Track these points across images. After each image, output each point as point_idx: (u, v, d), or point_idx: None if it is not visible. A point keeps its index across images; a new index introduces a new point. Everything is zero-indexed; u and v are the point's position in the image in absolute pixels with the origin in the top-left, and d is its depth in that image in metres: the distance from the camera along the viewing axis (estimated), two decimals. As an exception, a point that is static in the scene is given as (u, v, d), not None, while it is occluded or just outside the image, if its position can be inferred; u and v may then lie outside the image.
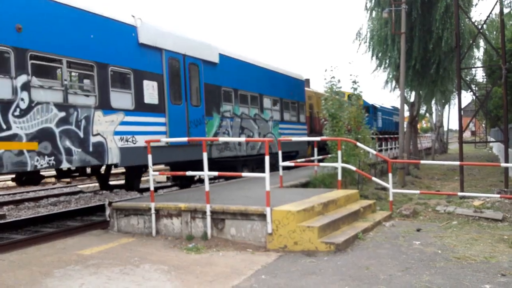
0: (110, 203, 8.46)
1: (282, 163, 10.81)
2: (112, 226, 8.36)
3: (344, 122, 13.54)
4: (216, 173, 8.25)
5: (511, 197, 9.94)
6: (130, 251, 6.81)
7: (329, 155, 13.59)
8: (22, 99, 7.34)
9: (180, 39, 11.02)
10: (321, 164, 12.29)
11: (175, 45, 10.78)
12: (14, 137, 7.18)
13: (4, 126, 7.03)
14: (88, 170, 10.32)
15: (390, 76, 24.85)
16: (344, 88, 14.59)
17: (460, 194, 10.93)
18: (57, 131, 7.89)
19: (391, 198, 9.84)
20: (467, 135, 68.09)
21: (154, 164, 8.36)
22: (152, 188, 8.08)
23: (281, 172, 10.85)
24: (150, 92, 9.99)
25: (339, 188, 10.11)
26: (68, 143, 8.06)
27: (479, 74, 29.14)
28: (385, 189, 11.53)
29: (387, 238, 7.28)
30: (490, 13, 18.10)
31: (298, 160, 12.92)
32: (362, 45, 23.96)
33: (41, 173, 9.30)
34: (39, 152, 7.53)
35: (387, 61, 23.35)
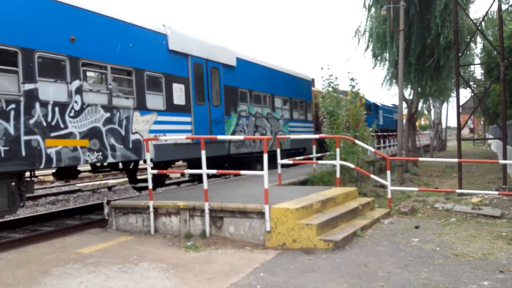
0: (108, 202, 8.46)
1: (280, 161, 10.81)
2: (111, 224, 8.35)
3: (342, 119, 13.55)
4: (214, 171, 8.23)
5: (509, 194, 9.96)
6: (128, 249, 6.81)
7: (328, 153, 13.60)
8: (76, 102, 8.39)
9: (203, 45, 12.04)
10: (319, 161, 12.30)
11: (199, 50, 11.77)
12: (70, 135, 8.20)
13: (62, 125, 8.08)
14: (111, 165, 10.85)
15: (389, 73, 24.88)
16: (342, 85, 14.63)
17: (458, 191, 10.94)
18: (103, 129, 8.91)
19: (389, 196, 9.85)
20: (465, 132, 68.07)
21: (180, 159, 9.86)
22: (150, 187, 8.08)
23: (279, 170, 10.85)
24: (178, 94, 10.97)
25: (338, 186, 10.11)
26: (112, 140, 9.05)
27: (478, 71, 29.18)
28: (383, 186, 11.55)
29: (386, 236, 7.29)
30: (489, 9, 18.11)
31: (297, 158, 12.93)
32: (361, 42, 24.01)
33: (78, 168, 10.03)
34: (89, 148, 8.53)
35: (386, 58, 23.37)
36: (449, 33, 19.07)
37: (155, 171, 8.41)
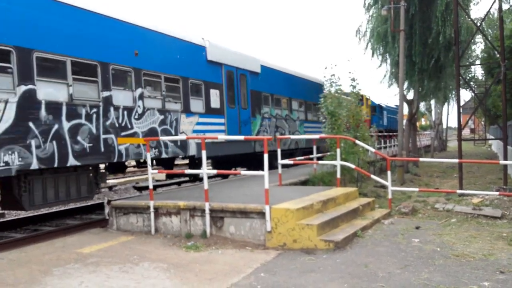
0: (109, 202, 8.46)
1: (281, 161, 10.82)
2: (111, 224, 8.36)
3: (343, 120, 13.55)
4: (215, 171, 8.38)
5: (510, 195, 9.95)
6: (129, 249, 6.81)
7: (328, 153, 13.61)
8: (139, 106, 9.89)
9: (233, 55, 13.56)
10: (320, 162, 12.30)
11: (230, 60, 13.29)
12: (134, 134, 9.71)
13: (129, 126, 9.58)
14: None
15: (387, 72, 24.90)
16: (344, 85, 14.68)
17: (459, 191, 10.94)
18: (159, 129, 10.40)
19: (390, 196, 9.84)
20: (466, 132, 68.04)
21: (214, 156, 11.62)
22: (151, 187, 8.08)
23: (280, 170, 10.85)
24: (214, 98, 12.47)
25: (338, 186, 10.11)
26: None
27: (478, 72, 29.17)
28: (384, 187, 11.54)
29: (386, 236, 7.29)
30: (489, 10, 18.12)
31: (297, 158, 12.95)
32: (362, 43, 24.03)
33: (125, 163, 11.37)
34: (149, 145, 9.24)
35: (387, 58, 23.39)
36: (450, 33, 19.07)
37: (156, 171, 8.43)
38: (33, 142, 7.57)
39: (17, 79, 7.47)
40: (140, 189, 15.14)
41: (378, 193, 12.87)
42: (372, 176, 10.99)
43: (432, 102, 35.44)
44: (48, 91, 7.99)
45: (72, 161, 8.30)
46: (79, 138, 8.44)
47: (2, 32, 7.25)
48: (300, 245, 6.68)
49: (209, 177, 14.01)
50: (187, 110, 11.36)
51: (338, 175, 10.37)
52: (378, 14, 21.91)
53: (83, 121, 8.56)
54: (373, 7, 22.53)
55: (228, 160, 13.66)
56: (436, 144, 44.18)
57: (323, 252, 6.41)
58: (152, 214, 7.82)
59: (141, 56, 9.94)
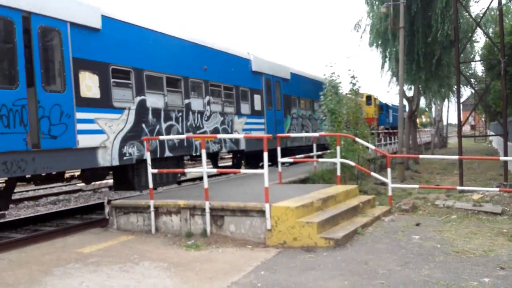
0: (109, 201, 8.47)
1: (281, 159, 10.82)
2: (112, 224, 8.36)
3: (343, 117, 13.55)
4: (215, 170, 8.43)
5: (510, 191, 9.95)
6: (129, 248, 6.82)
7: (328, 151, 13.62)
8: (207, 110, 12.26)
9: (270, 65, 16.05)
10: (320, 159, 12.31)
11: (268, 69, 15.73)
12: (205, 132, 11.90)
13: (201, 126, 11.95)
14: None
15: (390, 70, 24.86)
16: (345, 83, 14.77)
17: (459, 188, 10.94)
18: (220, 128, 12.75)
19: (390, 193, 9.84)
20: (466, 129, 68.08)
21: (256, 150, 13.71)
22: (151, 186, 8.08)
23: (280, 168, 10.86)
24: (257, 102, 14.90)
25: (338, 184, 10.11)
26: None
27: (478, 68, 29.16)
28: (384, 184, 11.53)
29: (386, 233, 7.29)
30: (489, 6, 18.05)
31: (297, 156, 12.95)
32: (363, 39, 24.03)
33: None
34: (213, 142, 12.03)
35: (387, 55, 23.38)
36: (449, 30, 19.05)
37: (155, 170, 8.43)
38: None
39: (135, 92, 9.81)
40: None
41: (378, 190, 12.86)
42: (372, 174, 10.99)
43: (433, 99, 35.46)
44: (153, 100, 10.34)
45: (167, 153, 10.66)
46: (171, 135, 10.65)
47: (126, 58, 9.61)
48: (300, 243, 6.68)
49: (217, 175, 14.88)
50: (238, 112, 13.80)
51: (338, 173, 10.36)
52: (378, 11, 21.89)
53: (173, 122, 10.97)
54: (374, 5, 22.52)
55: (257, 155, 15.49)
56: (436, 141, 44.15)
57: (323, 250, 6.41)
58: (153, 214, 7.82)
59: (208, 70, 12.31)
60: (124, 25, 9.69)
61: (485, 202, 9.34)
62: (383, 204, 9.87)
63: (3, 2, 7.19)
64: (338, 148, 10.59)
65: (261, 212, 6.95)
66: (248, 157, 16.45)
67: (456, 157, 12.95)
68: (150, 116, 10.15)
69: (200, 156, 12.51)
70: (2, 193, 8.61)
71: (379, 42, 22.74)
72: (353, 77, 14.51)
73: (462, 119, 15.94)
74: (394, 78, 24.73)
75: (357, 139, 11.63)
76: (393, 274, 5.26)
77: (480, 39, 24.40)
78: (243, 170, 8.27)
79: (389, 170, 10.02)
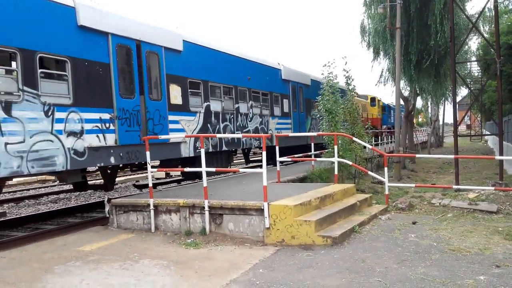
0: (109, 200, 8.51)
1: (279, 158, 10.88)
2: (112, 222, 8.41)
3: (340, 117, 13.63)
4: (213, 169, 8.48)
5: (506, 190, 10.06)
6: (129, 247, 6.87)
7: (326, 150, 13.69)
8: (250, 113, 14.54)
9: (295, 72, 18.30)
10: (318, 159, 12.39)
11: (293, 76, 18.01)
12: (248, 132, 14.33)
13: (246, 126, 14.22)
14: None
15: (387, 70, 24.95)
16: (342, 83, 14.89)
17: (455, 187, 11.04)
18: (259, 128, 15.07)
19: (387, 192, 9.92)
20: (462, 128, 68.30)
21: (287, 146, 15.74)
22: (150, 185, 8.14)
23: (278, 167, 10.93)
24: (285, 105, 17.20)
25: (336, 183, 10.19)
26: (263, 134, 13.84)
27: (474, 68, 29.28)
28: (381, 183, 11.63)
29: (383, 231, 7.37)
30: (485, 6, 18.19)
31: (296, 156, 13.06)
32: (361, 40, 24.11)
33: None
34: (254, 139, 14.60)
35: (383, 54, 23.47)
36: (446, 30, 19.15)
37: (155, 170, 8.49)
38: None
39: (203, 99, 12.07)
40: (140, 187, 15.25)
41: (375, 189, 12.96)
42: (369, 173, 11.08)
43: (429, 98, 35.65)
44: (214, 105, 12.55)
45: (223, 148, 12.85)
46: (226, 133, 12.96)
47: (197, 72, 11.80)
48: (298, 241, 6.75)
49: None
50: (272, 114, 16.10)
51: (336, 172, 10.44)
52: (375, 13, 21.99)
53: (228, 123, 13.23)
54: (373, 5, 22.62)
55: (292, 148, 17.01)
56: (432, 140, 44.35)
57: (321, 248, 6.48)
58: (152, 212, 7.88)
59: (251, 80, 14.59)
60: (196, 46, 11.91)
61: (480, 200, 9.42)
62: (380, 202, 9.95)
63: (124, 33, 9.34)
64: (335, 147, 10.67)
65: (260, 211, 7.01)
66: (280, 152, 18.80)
67: (452, 156, 13.06)
68: (212, 118, 12.52)
69: (249, 149, 16.46)
70: (109, 176, 10.96)
71: (376, 41, 22.86)
72: (348, 77, 14.64)
73: (458, 119, 16.04)
74: (392, 78, 24.82)
75: (354, 138, 11.70)
76: (389, 272, 5.33)
77: (476, 39, 24.49)
78: (242, 169, 8.34)
79: (386, 169, 10.10)
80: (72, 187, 16.23)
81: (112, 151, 9.05)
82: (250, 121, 14.41)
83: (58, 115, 7.93)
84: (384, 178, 10.03)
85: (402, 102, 25.43)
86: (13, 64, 7.97)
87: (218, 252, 6.52)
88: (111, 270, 5.69)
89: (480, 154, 32.58)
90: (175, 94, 10.97)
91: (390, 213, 8.95)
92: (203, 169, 7.76)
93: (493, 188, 10.16)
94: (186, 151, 11.22)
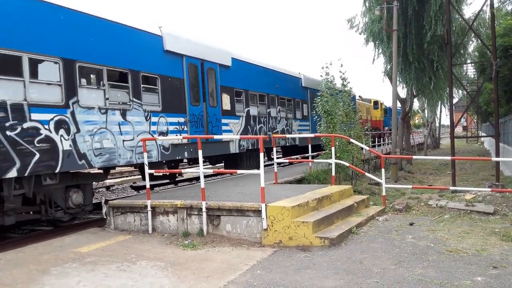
0: (106, 201, 8.49)
1: (276, 160, 10.89)
2: (109, 224, 8.39)
3: (339, 119, 13.67)
4: (211, 171, 8.49)
5: (502, 191, 10.09)
6: (126, 248, 6.85)
7: (323, 152, 13.72)
8: (278, 116, 17.00)
9: (313, 80, 20.07)
10: (315, 160, 12.41)
11: (311, 84, 20.04)
12: (277, 133, 16.36)
13: (276, 127, 16.63)
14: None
15: (384, 71, 25.02)
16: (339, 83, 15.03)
17: (452, 188, 11.05)
18: (285, 129, 17.54)
19: (384, 193, 9.95)
20: (459, 130, 68.42)
21: (302, 145, 17.03)
22: (148, 186, 8.13)
23: (275, 168, 10.94)
24: (305, 109, 19.73)
25: (333, 184, 10.20)
26: (288, 135, 17.45)
27: (470, 70, 29.38)
28: (378, 184, 11.65)
29: (381, 233, 7.38)
30: (481, 8, 18.24)
31: (293, 157, 13.07)
32: (360, 40, 24.19)
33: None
34: (284, 139, 17.09)
35: (381, 56, 23.56)
36: (442, 32, 19.22)
37: (152, 171, 8.48)
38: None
39: (244, 105, 14.54)
40: (137, 188, 15.22)
41: (372, 190, 12.98)
42: (367, 174, 11.10)
43: (425, 100, 35.84)
44: (252, 110, 15.03)
45: (240, 148, 14.04)
46: (261, 134, 15.26)
47: (240, 83, 14.29)
48: (295, 243, 6.75)
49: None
50: (295, 117, 18.56)
51: (333, 173, 10.46)
52: (372, 13, 22.06)
53: (262, 125, 15.62)
54: (371, 8, 22.71)
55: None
56: (429, 141, 44.51)
57: (318, 249, 6.49)
58: (149, 213, 7.86)
59: (279, 88, 17.01)
60: (239, 61, 14.34)
61: (477, 202, 9.46)
62: (377, 204, 9.97)
63: (192, 54, 11.87)
64: (333, 148, 10.68)
65: (257, 212, 7.01)
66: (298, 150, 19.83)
67: (449, 157, 13.08)
68: (251, 121, 14.92)
69: (244, 153, 16.75)
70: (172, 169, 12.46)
71: (376, 42, 22.97)
72: (344, 78, 14.75)
73: (454, 121, 16.09)
74: (388, 79, 24.89)
75: (352, 140, 11.73)
76: (387, 273, 5.34)
77: (472, 43, 24.58)
78: (239, 171, 8.36)
79: (383, 170, 10.12)
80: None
81: (185, 147, 11.44)
82: (278, 123, 16.94)
83: (153, 119, 10.32)
84: (381, 179, 10.06)
85: (399, 105, 25.53)
86: (127, 81, 9.81)
87: (216, 253, 6.52)
88: (108, 272, 5.68)
89: (476, 155, 32.68)
90: (226, 101, 13.46)
91: (387, 214, 8.97)
92: (201, 170, 7.76)
93: (489, 189, 10.18)
94: (233, 148, 13.66)
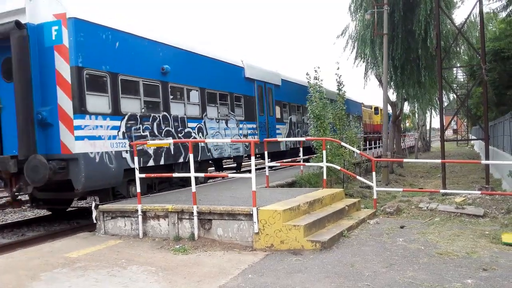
0: (96, 206, 8.42)
1: (268, 163, 10.89)
2: (99, 228, 8.32)
3: (330, 122, 13.73)
4: (202, 175, 8.45)
5: (492, 193, 10.16)
6: (117, 253, 6.81)
7: (315, 155, 13.76)
8: (301, 122, 20.36)
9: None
10: (306, 164, 12.43)
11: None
12: (309, 136, 16.85)
13: (299, 132, 19.95)
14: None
15: (374, 75, 25.16)
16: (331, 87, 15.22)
17: (442, 191, 11.11)
18: (301, 131, 20.28)
19: (375, 196, 9.98)
20: (449, 133, 69.00)
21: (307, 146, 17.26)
22: (138, 190, 8.08)
23: (267, 172, 10.94)
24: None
25: (325, 187, 10.22)
26: (299, 137, 19.53)
27: (460, 74, 29.66)
28: (369, 187, 11.69)
29: (372, 236, 7.40)
30: (470, 13, 18.46)
31: (284, 160, 13.09)
32: (347, 47, 24.37)
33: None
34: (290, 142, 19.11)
35: (369, 61, 23.69)
36: (432, 36, 19.38)
37: (143, 175, 8.43)
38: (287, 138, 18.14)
39: (288, 113, 18.89)
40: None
41: (363, 193, 13.04)
42: (358, 177, 11.12)
43: (415, 104, 36.16)
44: (292, 117, 19.11)
45: (286, 147, 18.06)
46: (298, 137, 18.80)
47: (286, 97, 18.61)
48: (287, 246, 6.75)
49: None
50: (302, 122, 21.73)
51: (325, 177, 10.47)
52: (361, 18, 22.20)
53: (299, 129, 19.80)
54: (359, 12, 22.84)
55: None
56: (420, 145, 44.86)
57: (310, 253, 6.49)
58: (140, 218, 7.81)
59: (302, 98, 17.30)
60: (285, 80, 18.60)
61: (467, 204, 9.51)
62: (369, 207, 10.00)
63: (259, 78, 16.20)
64: (324, 152, 10.71)
65: (249, 216, 7.00)
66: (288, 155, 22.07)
67: (439, 161, 13.17)
68: (293, 126, 19.13)
69: (288, 150, 19.25)
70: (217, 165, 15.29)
71: (363, 48, 23.10)
72: (339, 83, 14.82)
73: (444, 124, 16.23)
74: (378, 84, 25.05)
75: (343, 143, 11.77)
76: (378, 276, 5.36)
77: (462, 45, 24.83)
78: (231, 174, 8.38)
79: (374, 173, 10.15)
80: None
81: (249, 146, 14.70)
82: (300, 128, 20.36)
83: (240, 125, 14.59)
84: (372, 182, 10.09)
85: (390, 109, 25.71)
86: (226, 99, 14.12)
87: (207, 257, 6.49)
88: (98, 277, 5.63)
89: (466, 158, 32.97)
90: (278, 111, 17.88)
91: (379, 217, 9.01)
92: (192, 174, 7.73)
93: (479, 192, 10.25)
94: (282, 147, 17.72)
